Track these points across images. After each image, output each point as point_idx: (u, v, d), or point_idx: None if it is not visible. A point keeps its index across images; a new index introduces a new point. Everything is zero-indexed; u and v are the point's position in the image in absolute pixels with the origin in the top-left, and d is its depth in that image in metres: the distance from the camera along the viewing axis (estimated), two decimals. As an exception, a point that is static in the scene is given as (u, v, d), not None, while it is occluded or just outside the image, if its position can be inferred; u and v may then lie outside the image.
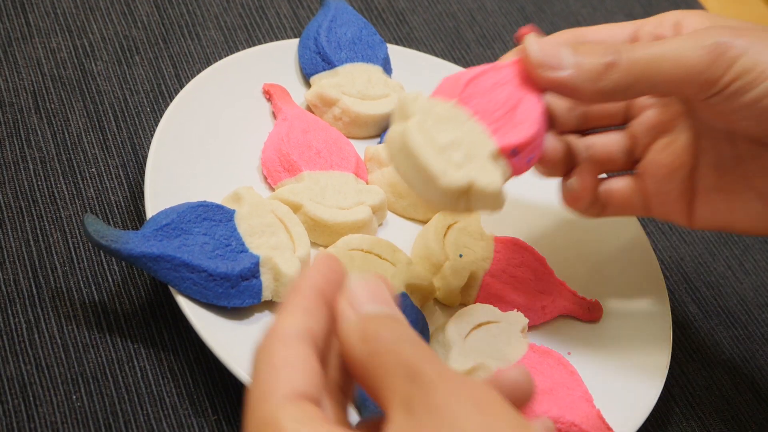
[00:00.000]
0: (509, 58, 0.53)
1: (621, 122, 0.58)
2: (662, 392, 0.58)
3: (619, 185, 0.57)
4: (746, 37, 0.50)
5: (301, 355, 0.39)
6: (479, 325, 0.55)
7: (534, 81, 0.50)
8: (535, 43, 0.50)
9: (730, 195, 0.54)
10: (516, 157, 0.49)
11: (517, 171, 0.49)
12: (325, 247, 0.57)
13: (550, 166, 0.55)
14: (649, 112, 0.56)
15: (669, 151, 0.55)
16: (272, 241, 0.54)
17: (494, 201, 0.48)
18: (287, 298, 0.41)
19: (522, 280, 0.59)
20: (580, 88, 0.50)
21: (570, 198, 0.56)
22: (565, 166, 0.56)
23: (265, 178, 0.60)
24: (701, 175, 0.55)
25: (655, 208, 0.57)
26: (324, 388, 0.39)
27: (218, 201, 0.55)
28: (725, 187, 0.54)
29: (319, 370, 0.39)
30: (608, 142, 0.57)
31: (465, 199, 0.47)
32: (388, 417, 0.37)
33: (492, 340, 0.54)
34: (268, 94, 0.64)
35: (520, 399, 0.40)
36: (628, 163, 0.57)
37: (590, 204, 0.56)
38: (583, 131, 0.57)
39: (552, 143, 0.54)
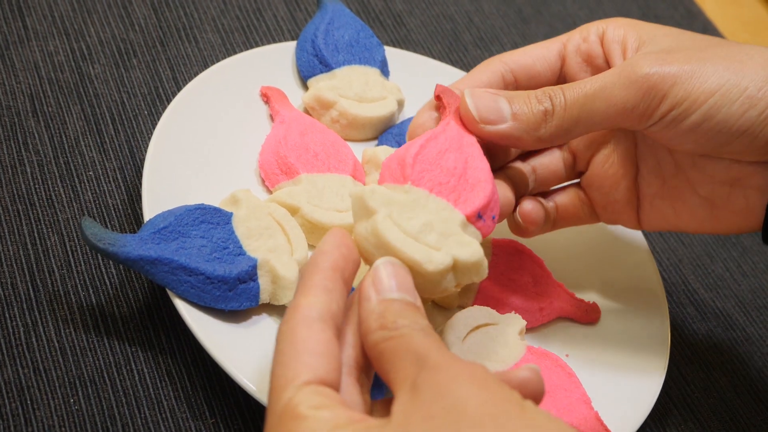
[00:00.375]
0: (425, 113, 0.54)
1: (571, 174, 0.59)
2: (660, 394, 0.58)
3: (565, 200, 0.58)
4: (676, 62, 0.50)
5: (323, 340, 0.41)
6: (477, 328, 0.55)
7: (475, 134, 0.51)
8: (472, 100, 0.51)
9: (675, 201, 0.56)
10: (482, 220, 0.49)
11: (485, 232, 0.50)
12: (323, 249, 0.57)
13: (507, 214, 0.56)
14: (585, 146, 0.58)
15: (610, 163, 0.57)
16: (270, 244, 0.54)
17: (479, 269, 0.48)
18: (306, 273, 0.43)
19: (520, 282, 0.59)
20: (521, 138, 0.51)
21: (527, 223, 0.56)
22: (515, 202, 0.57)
23: (263, 181, 0.60)
24: (644, 183, 0.56)
25: (603, 215, 0.58)
26: (344, 370, 0.42)
27: (216, 204, 0.55)
28: (669, 194, 0.56)
29: (339, 356, 0.41)
30: (551, 162, 0.58)
31: (451, 275, 0.47)
32: (395, 397, 0.39)
33: (490, 343, 0.54)
34: (266, 97, 0.64)
35: (530, 397, 0.40)
36: (572, 176, 0.59)
37: (543, 224, 0.57)
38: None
39: (504, 194, 0.55)
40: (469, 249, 0.47)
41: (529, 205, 0.56)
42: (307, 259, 0.55)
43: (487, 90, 0.52)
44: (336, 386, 0.41)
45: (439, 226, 0.48)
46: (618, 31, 0.54)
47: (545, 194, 0.59)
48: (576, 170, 0.59)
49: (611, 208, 0.58)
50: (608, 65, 0.54)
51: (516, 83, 0.55)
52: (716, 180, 0.54)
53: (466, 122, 0.52)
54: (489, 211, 0.50)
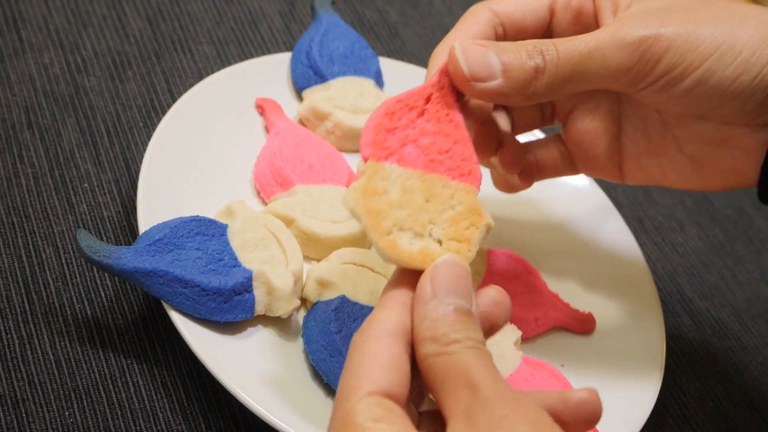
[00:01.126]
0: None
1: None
2: (656, 404, 0.58)
3: (544, 152, 0.58)
4: (671, 24, 0.50)
5: (392, 353, 0.41)
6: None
7: (464, 92, 0.50)
8: (463, 56, 0.49)
9: (661, 158, 0.55)
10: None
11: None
12: (318, 260, 0.57)
13: (485, 157, 0.56)
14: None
15: (592, 117, 0.56)
16: (265, 256, 0.54)
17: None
18: (386, 287, 0.44)
19: (515, 292, 0.59)
20: (511, 96, 0.50)
21: (507, 169, 0.56)
22: (493, 148, 0.56)
23: (258, 193, 0.60)
24: (629, 141, 0.56)
25: (583, 168, 0.58)
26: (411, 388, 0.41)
27: (211, 215, 0.55)
28: (655, 152, 0.55)
29: (407, 370, 0.41)
30: (528, 111, 0.58)
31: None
32: (449, 422, 0.39)
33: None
34: (261, 109, 0.64)
35: (587, 420, 0.41)
36: (548, 123, 0.59)
37: (522, 173, 0.57)
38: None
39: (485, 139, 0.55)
40: (486, 218, 0.47)
41: (509, 150, 0.56)
42: (302, 270, 0.55)
43: (477, 42, 0.50)
44: (401, 400, 0.41)
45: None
46: None
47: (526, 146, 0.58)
48: (554, 119, 0.58)
49: (591, 164, 0.57)
50: (597, 24, 0.53)
51: (505, 36, 0.54)
52: (703, 140, 0.54)
53: (455, 80, 0.49)
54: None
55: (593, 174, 0.58)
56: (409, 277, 0.44)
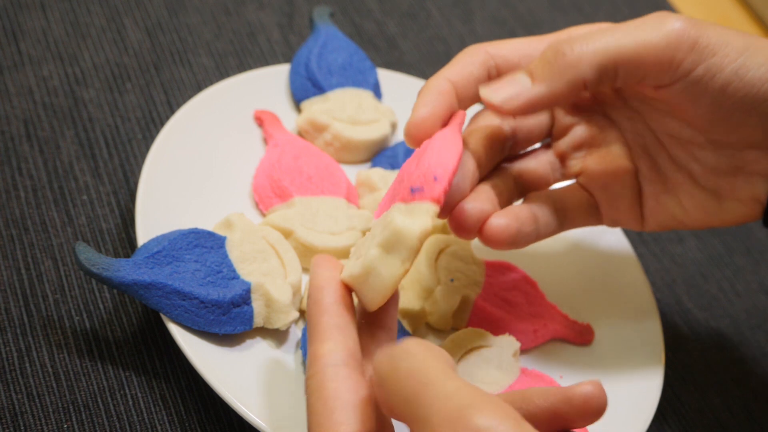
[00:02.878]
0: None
1: (544, 137, 0.57)
2: (655, 415, 0.58)
3: (569, 198, 0.56)
4: (700, 26, 0.49)
5: (351, 388, 0.41)
6: (471, 350, 0.55)
7: (506, 113, 0.49)
8: (490, 90, 0.49)
9: (679, 195, 0.55)
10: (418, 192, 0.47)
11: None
12: (317, 272, 0.57)
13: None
14: (575, 129, 0.56)
15: (608, 161, 0.55)
16: (264, 268, 0.54)
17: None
18: (312, 315, 0.43)
19: (514, 303, 0.59)
20: (554, 93, 0.49)
21: (488, 242, 0.52)
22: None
23: (257, 204, 0.60)
24: (645, 179, 0.55)
25: (607, 215, 0.57)
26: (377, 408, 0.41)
27: (210, 228, 0.55)
28: (673, 189, 0.55)
29: (369, 396, 0.41)
30: (538, 165, 0.56)
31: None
32: None
33: (484, 365, 0.54)
34: (259, 121, 0.64)
35: (593, 414, 0.40)
36: (559, 180, 0.57)
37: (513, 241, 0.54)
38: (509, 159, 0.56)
39: (482, 206, 0.52)
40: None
41: (496, 221, 0.52)
42: (301, 282, 0.55)
43: (502, 79, 0.50)
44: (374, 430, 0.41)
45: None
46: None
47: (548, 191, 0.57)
48: (565, 176, 0.57)
49: (613, 205, 0.56)
50: None
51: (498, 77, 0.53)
52: (719, 171, 0.53)
53: (493, 111, 0.50)
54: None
55: (614, 220, 0.57)
56: (327, 296, 0.44)
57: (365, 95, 0.66)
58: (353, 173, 0.64)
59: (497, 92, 0.49)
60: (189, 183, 0.58)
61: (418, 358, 0.38)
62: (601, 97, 0.56)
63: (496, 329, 0.58)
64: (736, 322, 0.70)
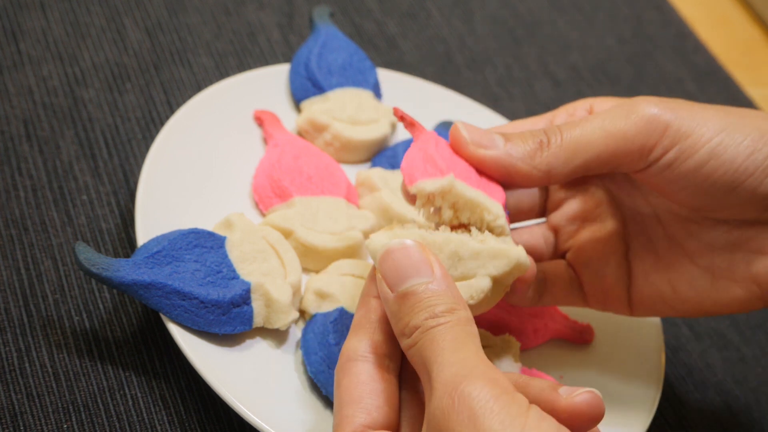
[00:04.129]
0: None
1: (538, 216, 0.57)
2: (655, 415, 0.58)
3: (552, 270, 0.56)
4: (675, 109, 0.49)
5: (362, 381, 0.43)
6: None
7: (466, 159, 0.49)
8: (465, 129, 0.49)
9: (672, 273, 0.53)
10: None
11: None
12: (317, 272, 0.57)
13: None
14: (570, 203, 0.56)
15: (598, 238, 0.55)
16: (263, 268, 0.54)
17: (520, 270, 0.48)
18: (357, 309, 0.46)
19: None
20: (516, 166, 0.48)
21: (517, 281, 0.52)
22: None
23: (257, 204, 0.60)
24: (636, 258, 0.54)
25: (592, 297, 0.55)
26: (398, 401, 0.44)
27: (210, 227, 0.55)
28: (665, 268, 0.53)
29: (384, 387, 0.43)
30: (531, 238, 0.56)
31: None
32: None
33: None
34: (259, 121, 0.64)
35: (587, 424, 0.41)
36: (554, 256, 0.57)
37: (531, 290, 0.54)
38: None
39: None
40: (504, 261, 0.47)
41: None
42: (301, 282, 0.55)
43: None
44: (384, 423, 0.43)
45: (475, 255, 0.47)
46: (605, 105, 0.52)
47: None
48: (559, 249, 0.56)
49: (599, 288, 0.55)
50: None
51: None
52: (715, 247, 0.52)
53: (456, 146, 0.49)
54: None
55: (602, 304, 0.55)
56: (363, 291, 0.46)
57: (365, 95, 0.66)
58: (353, 173, 0.64)
59: (470, 132, 0.49)
60: (189, 183, 0.58)
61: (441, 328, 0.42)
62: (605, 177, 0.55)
63: (496, 329, 0.58)
64: (736, 321, 0.70)
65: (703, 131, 0.48)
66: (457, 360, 0.40)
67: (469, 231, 0.48)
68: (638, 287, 0.54)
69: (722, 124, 0.48)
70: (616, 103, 0.51)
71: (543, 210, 0.57)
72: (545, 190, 0.57)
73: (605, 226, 0.55)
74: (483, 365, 0.40)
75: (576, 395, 0.42)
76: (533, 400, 0.41)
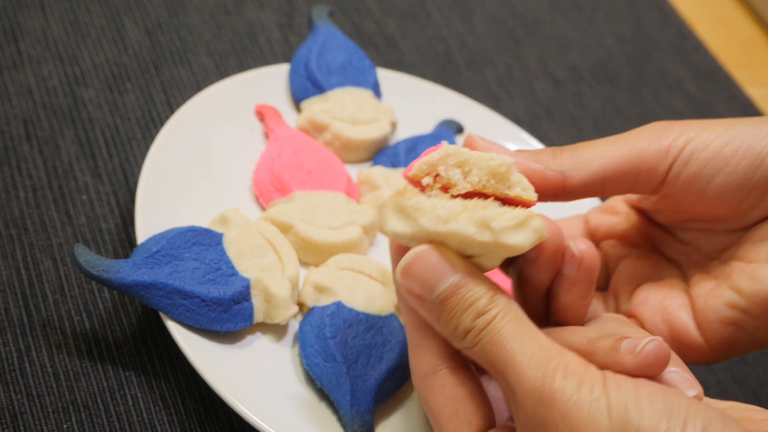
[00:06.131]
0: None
1: (602, 289, 0.55)
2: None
3: None
4: (681, 126, 0.49)
5: (448, 395, 0.44)
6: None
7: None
8: (479, 138, 0.49)
9: (731, 277, 0.50)
10: None
11: None
12: (316, 266, 0.57)
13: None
14: (626, 261, 0.55)
15: (664, 295, 0.52)
16: (261, 263, 0.54)
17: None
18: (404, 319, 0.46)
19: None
20: (530, 166, 0.48)
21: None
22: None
23: (257, 199, 0.60)
24: (691, 278, 0.52)
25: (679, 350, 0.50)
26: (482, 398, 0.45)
27: (207, 225, 0.55)
28: (724, 277, 0.51)
29: (475, 387, 0.44)
30: (594, 308, 0.53)
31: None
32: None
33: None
34: (260, 115, 0.64)
35: (657, 371, 0.42)
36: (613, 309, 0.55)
37: None
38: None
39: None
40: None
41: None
42: (299, 277, 0.55)
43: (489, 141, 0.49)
44: (486, 423, 0.44)
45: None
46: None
47: None
48: (619, 311, 0.53)
49: (683, 342, 0.51)
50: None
51: None
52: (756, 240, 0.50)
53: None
54: None
55: (689, 358, 0.51)
56: (407, 316, 0.46)
57: (365, 95, 0.66)
58: (354, 172, 0.64)
59: (485, 141, 0.48)
60: (189, 183, 0.58)
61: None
62: (651, 236, 0.54)
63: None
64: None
65: (710, 134, 0.49)
66: (527, 360, 0.41)
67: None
68: (701, 309, 0.51)
69: (732, 132, 0.49)
70: None
71: (606, 282, 0.55)
72: (603, 255, 0.56)
73: (664, 277, 0.53)
74: (550, 353, 0.41)
75: (640, 351, 0.41)
76: (603, 367, 0.41)
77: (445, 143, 0.45)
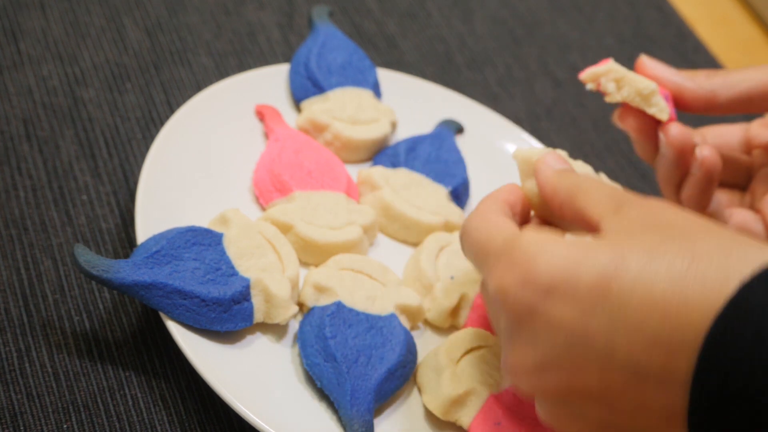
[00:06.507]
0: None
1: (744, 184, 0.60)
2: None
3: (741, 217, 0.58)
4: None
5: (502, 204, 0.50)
6: (471, 350, 0.55)
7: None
8: (650, 61, 0.58)
9: None
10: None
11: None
12: (316, 266, 0.57)
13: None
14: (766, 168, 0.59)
15: None
16: (261, 263, 0.54)
17: None
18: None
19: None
20: (683, 85, 0.56)
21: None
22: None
23: (257, 199, 0.60)
24: None
25: None
26: None
27: (207, 225, 0.55)
28: None
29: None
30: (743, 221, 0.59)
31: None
32: (599, 224, 0.44)
33: (483, 366, 0.54)
34: (260, 115, 0.64)
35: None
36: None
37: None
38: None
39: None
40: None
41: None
42: (299, 277, 0.55)
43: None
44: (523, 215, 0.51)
45: None
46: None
47: None
48: (753, 209, 0.59)
49: None
50: None
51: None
52: None
53: (641, 69, 0.57)
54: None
55: None
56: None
57: (365, 94, 0.66)
58: (354, 172, 0.64)
59: (654, 63, 0.57)
60: (189, 182, 0.58)
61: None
62: None
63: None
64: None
65: None
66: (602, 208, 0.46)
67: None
68: None
69: None
70: None
71: (748, 183, 0.60)
72: (747, 172, 0.60)
73: None
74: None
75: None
76: None
77: (611, 61, 0.57)
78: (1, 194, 0.58)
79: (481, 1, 0.84)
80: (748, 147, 0.60)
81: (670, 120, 0.55)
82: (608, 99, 0.57)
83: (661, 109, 0.56)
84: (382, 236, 0.62)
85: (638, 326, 0.39)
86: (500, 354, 0.55)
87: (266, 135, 0.63)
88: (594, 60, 0.84)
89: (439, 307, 0.57)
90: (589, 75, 0.57)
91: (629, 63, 0.85)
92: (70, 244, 0.57)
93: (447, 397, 0.52)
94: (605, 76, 0.57)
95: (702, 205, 0.56)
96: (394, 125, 0.66)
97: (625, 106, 0.57)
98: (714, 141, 0.59)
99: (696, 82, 0.56)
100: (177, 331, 0.51)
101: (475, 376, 0.53)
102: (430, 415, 0.54)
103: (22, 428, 0.49)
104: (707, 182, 0.55)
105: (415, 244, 0.62)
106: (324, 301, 0.54)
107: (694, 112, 0.57)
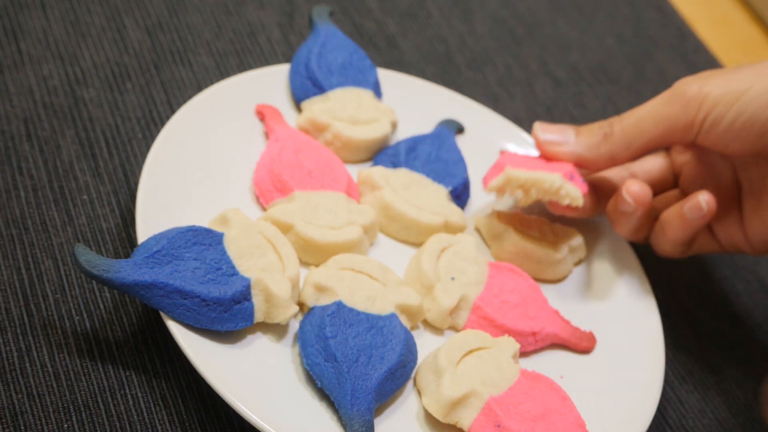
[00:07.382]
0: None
1: (671, 187, 0.66)
2: (655, 416, 0.58)
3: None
4: (711, 78, 0.59)
5: None
6: (471, 351, 0.55)
7: (542, 152, 0.62)
8: (541, 129, 0.63)
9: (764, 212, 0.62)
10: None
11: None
12: (316, 266, 0.58)
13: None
14: (690, 167, 0.65)
15: (717, 193, 0.63)
16: (261, 263, 0.54)
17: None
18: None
19: (513, 305, 0.59)
20: (583, 156, 0.61)
21: (636, 203, 0.62)
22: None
23: (257, 198, 0.60)
24: (744, 201, 0.63)
25: (724, 240, 0.64)
26: None
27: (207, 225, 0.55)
28: (764, 207, 0.62)
29: None
30: (668, 201, 0.65)
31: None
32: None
33: (483, 367, 0.54)
34: (261, 115, 0.64)
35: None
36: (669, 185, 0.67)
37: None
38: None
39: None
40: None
41: (635, 187, 0.61)
42: (299, 276, 0.55)
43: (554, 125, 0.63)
44: None
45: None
46: None
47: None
48: (675, 173, 0.66)
49: (726, 231, 0.63)
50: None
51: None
52: None
53: (539, 146, 0.62)
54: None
55: (731, 241, 0.64)
56: None
57: (365, 94, 0.66)
58: (354, 172, 0.64)
59: (545, 132, 0.62)
60: (189, 182, 0.58)
61: None
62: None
63: (495, 330, 0.58)
64: (736, 321, 0.70)
65: (727, 99, 0.57)
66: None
67: None
68: (750, 226, 0.62)
69: (745, 84, 0.57)
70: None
71: (675, 181, 0.66)
72: (670, 161, 0.66)
73: (722, 179, 0.64)
74: None
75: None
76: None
77: (507, 168, 0.60)
78: (2, 194, 0.58)
79: (481, 1, 0.84)
80: (674, 169, 0.66)
81: (584, 195, 0.60)
82: (521, 204, 0.61)
83: (573, 197, 0.59)
84: (382, 236, 0.62)
85: None
86: (500, 356, 0.55)
87: (266, 135, 0.63)
88: (594, 60, 0.84)
89: (438, 308, 0.57)
90: (492, 187, 0.60)
91: (629, 63, 0.85)
92: (71, 244, 0.57)
93: (447, 400, 0.52)
94: (509, 185, 0.60)
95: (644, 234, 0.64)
96: (394, 125, 0.66)
97: (549, 203, 0.62)
98: (640, 170, 0.66)
99: (594, 151, 0.61)
100: (177, 331, 0.51)
101: (475, 377, 0.53)
102: (430, 416, 0.54)
103: (22, 428, 0.49)
104: (646, 215, 0.62)
105: (415, 244, 0.62)
106: (324, 300, 0.54)
107: (598, 170, 0.63)
